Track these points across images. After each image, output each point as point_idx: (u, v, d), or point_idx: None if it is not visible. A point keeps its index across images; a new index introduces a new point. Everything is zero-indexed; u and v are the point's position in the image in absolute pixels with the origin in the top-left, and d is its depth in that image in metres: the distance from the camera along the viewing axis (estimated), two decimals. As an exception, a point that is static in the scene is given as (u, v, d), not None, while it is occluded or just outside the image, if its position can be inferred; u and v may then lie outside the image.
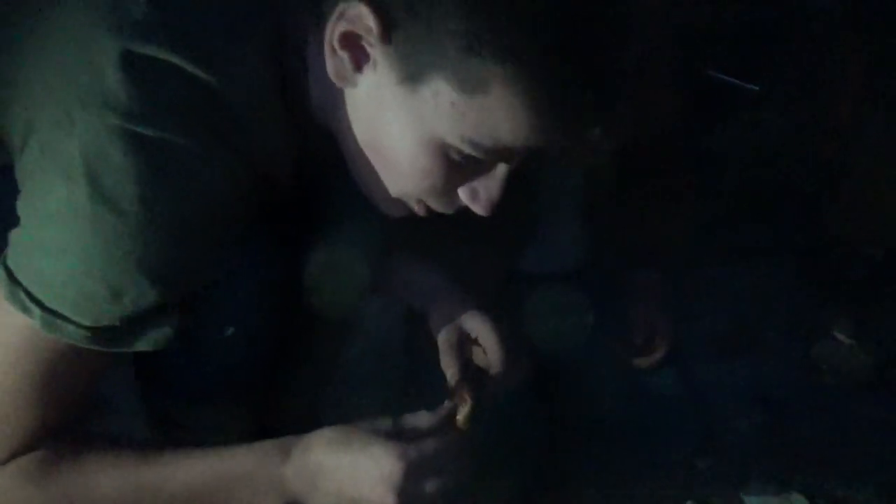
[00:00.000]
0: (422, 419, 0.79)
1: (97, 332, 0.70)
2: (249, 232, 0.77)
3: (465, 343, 0.92)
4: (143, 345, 0.72)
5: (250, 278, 0.80)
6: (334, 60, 0.70)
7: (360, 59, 0.69)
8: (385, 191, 0.75)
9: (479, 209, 0.75)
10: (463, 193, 0.75)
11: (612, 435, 1.36)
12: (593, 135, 0.70)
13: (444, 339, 0.91)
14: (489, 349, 0.91)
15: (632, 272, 1.39)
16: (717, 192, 1.65)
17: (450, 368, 0.88)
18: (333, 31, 0.68)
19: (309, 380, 0.92)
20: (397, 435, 0.76)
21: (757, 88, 1.48)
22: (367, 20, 0.66)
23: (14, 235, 0.70)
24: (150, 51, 0.66)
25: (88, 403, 0.76)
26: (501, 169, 0.74)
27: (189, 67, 0.66)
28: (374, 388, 1.26)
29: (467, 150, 0.69)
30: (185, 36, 0.67)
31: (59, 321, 0.68)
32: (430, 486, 0.76)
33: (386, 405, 1.25)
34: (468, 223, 1.19)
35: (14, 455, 0.72)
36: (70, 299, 0.68)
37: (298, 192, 0.81)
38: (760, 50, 1.55)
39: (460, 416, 0.80)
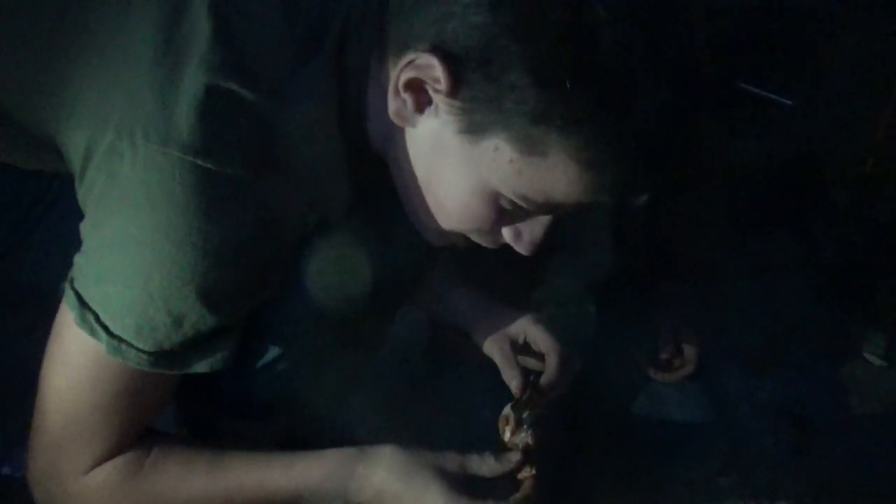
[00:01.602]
0: (487, 466, 0.81)
1: (158, 357, 0.72)
2: (300, 253, 0.80)
3: (517, 352, 0.95)
4: (201, 367, 0.75)
5: (298, 299, 0.82)
6: (396, 101, 0.71)
7: (422, 103, 0.70)
8: (433, 223, 0.77)
9: (521, 250, 0.77)
10: (507, 234, 0.77)
11: (635, 451, 1.35)
12: (638, 194, 0.75)
13: (500, 353, 0.93)
14: (547, 351, 0.93)
15: (658, 285, 1.37)
16: (746, 206, 1.63)
17: (516, 378, 0.90)
18: (400, 75, 0.69)
19: (332, 386, 0.92)
20: (461, 479, 0.79)
21: (790, 103, 1.47)
22: (436, 72, 0.66)
23: (79, 259, 0.72)
24: (215, 85, 0.66)
25: (161, 410, 0.79)
26: (546, 218, 0.76)
27: (252, 101, 0.67)
28: (394, 394, 1.26)
29: (518, 202, 0.71)
30: (249, 70, 0.68)
31: (123, 346, 0.71)
32: None
33: (406, 411, 1.25)
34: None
35: (97, 463, 0.75)
36: (133, 326, 0.70)
37: (347, 214, 0.83)
38: (792, 61, 1.53)
39: (524, 479, 0.82)
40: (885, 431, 1.49)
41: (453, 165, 0.71)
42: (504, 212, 0.73)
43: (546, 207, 0.73)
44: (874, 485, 1.37)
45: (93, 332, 0.70)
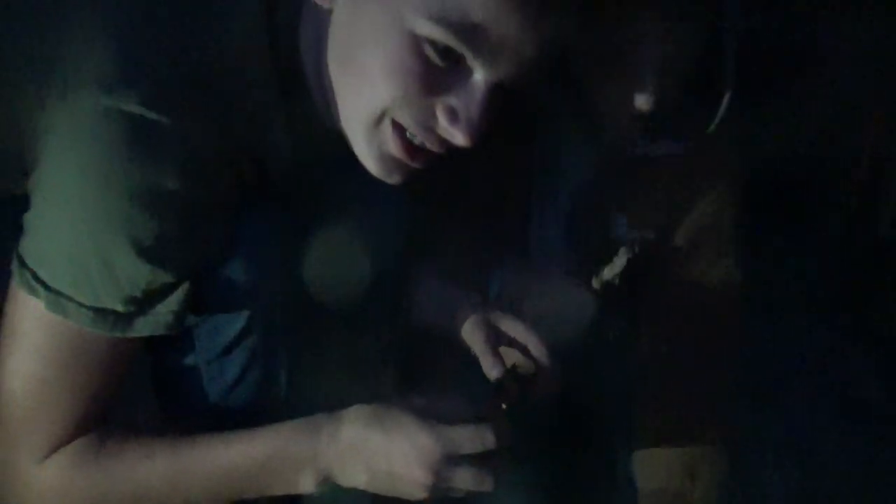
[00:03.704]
0: (459, 403, 0.78)
1: (99, 313, 0.72)
2: (253, 219, 0.79)
3: (498, 342, 0.90)
4: (144, 329, 0.74)
5: (260, 274, 0.80)
6: None
7: None
8: (366, 121, 0.75)
9: (459, 134, 0.74)
10: (442, 115, 0.74)
11: (634, 483, 1.33)
12: (551, 14, 0.70)
13: (481, 340, 0.88)
14: (532, 345, 0.89)
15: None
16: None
17: (497, 367, 0.85)
18: None
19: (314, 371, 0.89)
20: (433, 415, 0.75)
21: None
22: None
23: (24, 219, 0.73)
24: (141, 33, 0.70)
25: (117, 395, 0.77)
26: (479, 84, 0.73)
27: (177, 42, 0.70)
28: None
29: (437, 35, 0.69)
30: (178, 15, 0.71)
31: (62, 300, 0.71)
32: (464, 473, 0.75)
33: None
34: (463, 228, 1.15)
35: (52, 448, 0.74)
36: (68, 277, 0.71)
37: (298, 179, 0.83)
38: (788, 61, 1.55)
39: (506, 405, 0.79)
40: (892, 460, 1.48)
41: (372, 21, 0.71)
42: (430, 67, 0.71)
43: (466, 37, 0.70)
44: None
45: (32, 291, 0.71)
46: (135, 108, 0.68)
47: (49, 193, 0.71)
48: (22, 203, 0.74)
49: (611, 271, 0.94)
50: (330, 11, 0.74)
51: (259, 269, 0.79)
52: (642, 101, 0.93)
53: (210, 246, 0.76)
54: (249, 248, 0.79)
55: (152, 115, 0.68)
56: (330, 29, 0.74)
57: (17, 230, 0.74)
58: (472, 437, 0.74)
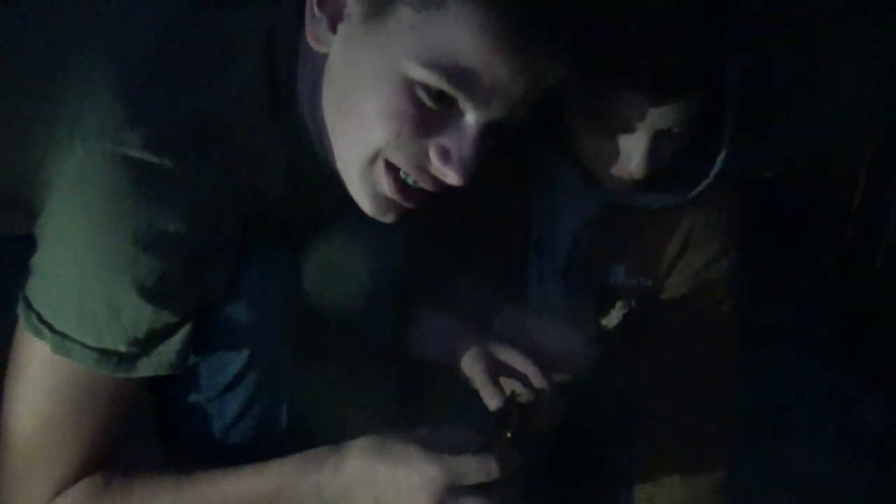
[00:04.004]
0: (463, 434, 0.79)
1: (103, 355, 0.73)
2: (254, 257, 0.80)
3: (498, 373, 0.90)
4: (148, 369, 0.75)
5: (261, 310, 0.81)
6: (313, 25, 0.75)
7: (335, 20, 0.75)
8: (360, 162, 0.76)
9: (452, 173, 0.75)
10: (435, 155, 0.76)
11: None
12: (542, 58, 0.72)
13: (481, 370, 0.89)
14: (531, 374, 0.89)
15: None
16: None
17: (497, 397, 0.86)
18: None
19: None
20: (437, 445, 0.76)
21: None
22: None
23: (31, 261, 0.74)
24: (145, 80, 0.72)
25: (122, 434, 0.79)
26: (471, 125, 0.75)
27: (181, 88, 0.72)
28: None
29: (430, 79, 0.71)
30: (181, 63, 0.74)
31: (67, 342, 0.72)
32: (469, 503, 0.75)
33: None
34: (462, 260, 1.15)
35: (60, 488, 0.75)
36: (74, 319, 0.72)
37: (298, 219, 0.84)
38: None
39: (509, 433, 0.80)
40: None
41: (366, 64, 0.73)
42: (422, 110, 0.73)
43: (458, 82, 0.71)
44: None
45: (38, 333, 0.72)
46: (138, 153, 0.70)
47: (55, 236, 0.73)
48: (28, 245, 0.75)
49: (608, 322, 0.95)
50: (326, 56, 0.77)
51: (259, 308, 0.80)
52: (634, 168, 0.93)
53: (212, 286, 0.78)
54: (250, 288, 0.80)
55: (155, 160, 0.70)
56: (325, 72, 0.77)
57: (24, 272, 0.75)
58: (477, 467, 0.75)
